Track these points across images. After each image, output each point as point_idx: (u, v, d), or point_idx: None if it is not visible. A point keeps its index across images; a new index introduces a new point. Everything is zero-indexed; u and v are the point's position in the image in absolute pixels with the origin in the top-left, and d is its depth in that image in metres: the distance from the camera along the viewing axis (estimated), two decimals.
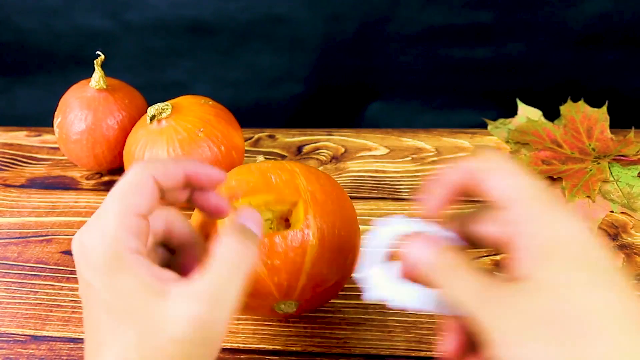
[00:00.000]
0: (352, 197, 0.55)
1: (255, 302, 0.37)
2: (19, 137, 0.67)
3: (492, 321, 0.26)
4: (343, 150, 0.62)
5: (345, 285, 0.42)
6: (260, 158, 0.51)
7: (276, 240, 0.36)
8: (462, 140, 0.63)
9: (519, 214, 0.27)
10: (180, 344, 0.26)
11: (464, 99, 0.74)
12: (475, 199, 0.30)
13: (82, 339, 0.44)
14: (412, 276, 0.31)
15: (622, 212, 0.52)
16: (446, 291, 0.28)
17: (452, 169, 0.30)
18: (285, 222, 0.39)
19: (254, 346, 0.43)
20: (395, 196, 0.56)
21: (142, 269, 0.28)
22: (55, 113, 0.58)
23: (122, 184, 0.30)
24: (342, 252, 0.39)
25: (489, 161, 0.29)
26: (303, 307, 0.39)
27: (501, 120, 0.64)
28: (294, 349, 0.43)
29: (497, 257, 0.49)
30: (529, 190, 0.27)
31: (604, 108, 0.60)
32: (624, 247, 0.49)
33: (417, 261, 0.29)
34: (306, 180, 0.39)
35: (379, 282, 0.31)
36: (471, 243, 0.31)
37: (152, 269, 0.28)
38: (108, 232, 0.28)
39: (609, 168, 0.55)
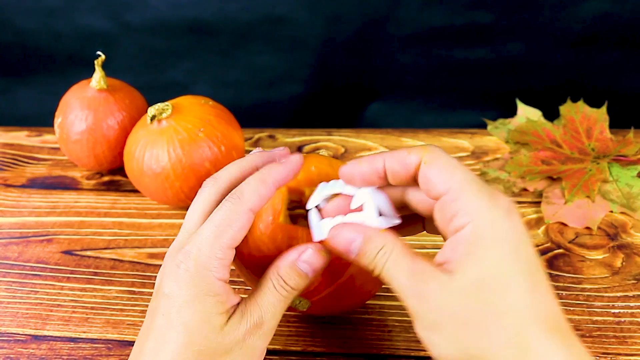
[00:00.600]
0: None
1: None
2: (20, 137, 0.67)
3: (415, 308, 0.29)
4: (343, 150, 0.62)
5: None
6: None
7: None
8: (462, 141, 0.63)
9: (462, 206, 0.29)
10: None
11: (464, 99, 0.74)
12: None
13: (82, 338, 0.45)
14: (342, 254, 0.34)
15: (621, 212, 0.53)
16: (382, 275, 0.31)
17: (389, 155, 0.32)
18: None
19: None
20: None
21: (221, 296, 0.32)
22: (56, 113, 0.58)
23: (223, 213, 0.33)
24: (372, 281, 0.39)
25: (432, 153, 0.31)
26: (312, 310, 0.40)
27: (501, 120, 0.64)
28: (294, 348, 0.43)
29: None
30: (472, 186, 0.29)
31: (604, 108, 0.60)
32: (624, 247, 0.50)
33: (346, 251, 0.32)
34: None
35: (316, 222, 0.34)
36: (400, 208, 0.34)
37: (229, 294, 0.33)
38: (203, 263, 0.32)
39: (609, 168, 0.55)
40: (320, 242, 0.34)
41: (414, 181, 0.32)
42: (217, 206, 0.34)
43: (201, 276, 0.32)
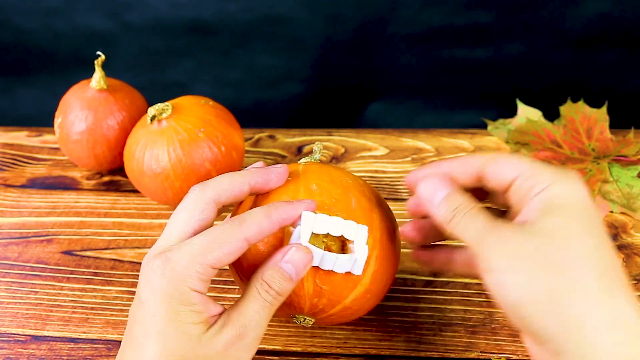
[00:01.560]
0: None
1: (281, 308, 0.36)
2: (20, 137, 0.67)
3: (488, 253, 0.31)
4: (343, 150, 0.62)
5: None
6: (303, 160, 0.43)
7: None
8: (462, 141, 0.63)
9: (538, 180, 0.32)
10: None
11: (464, 99, 0.74)
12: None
13: (82, 339, 0.45)
14: (419, 211, 0.37)
15: (621, 213, 0.53)
16: (452, 228, 0.33)
17: (451, 160, 0.35)
18: (342, 245, 0.37)
19: None
20: (395, 196, 0.56)
21: (197, 306, 0.32)
22: (56, 113, 0.58)
23: (218, 233, 0.33)
24: (377, 298, 0.39)
25: (493, 153, 0.34)
26: (317, 324, 0.40)
27: (501, 120, 0.64)
28: (294, 349, 0.43)
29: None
30: (541, 164, 0.33)
31: (604, 108, 0.60)
32: (624, 247, 0.50)
33: (429, 199, 0.35)
34: (379, 217, 0.38)
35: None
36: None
37: (207, 304, 0.32)
38: (180, 273, 0.32)
39: (609, 168, 0.55)
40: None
41: (475, 181, 0.35)
42: (200, 215, 0.34)
43: (175, 285, 0.31)
